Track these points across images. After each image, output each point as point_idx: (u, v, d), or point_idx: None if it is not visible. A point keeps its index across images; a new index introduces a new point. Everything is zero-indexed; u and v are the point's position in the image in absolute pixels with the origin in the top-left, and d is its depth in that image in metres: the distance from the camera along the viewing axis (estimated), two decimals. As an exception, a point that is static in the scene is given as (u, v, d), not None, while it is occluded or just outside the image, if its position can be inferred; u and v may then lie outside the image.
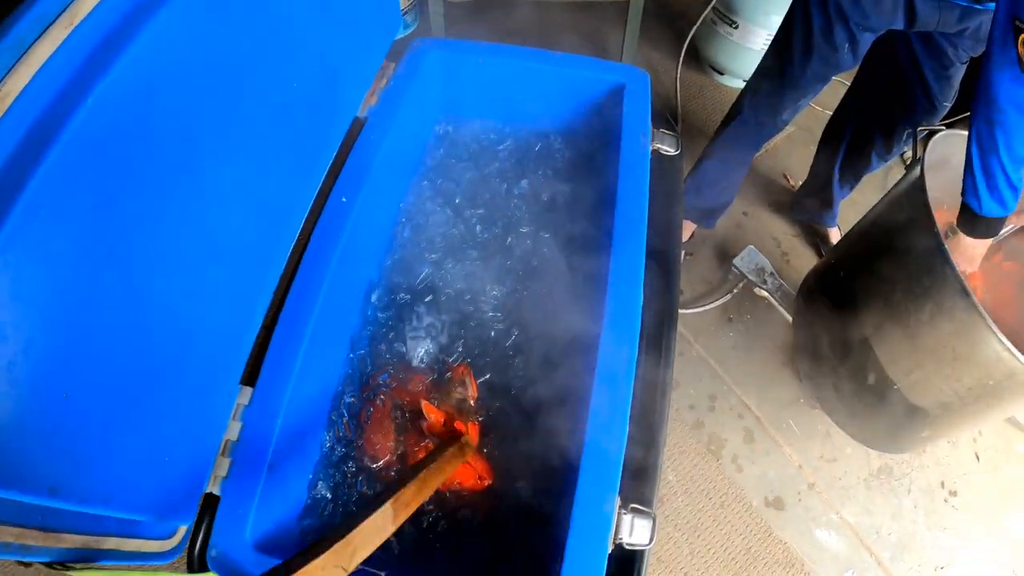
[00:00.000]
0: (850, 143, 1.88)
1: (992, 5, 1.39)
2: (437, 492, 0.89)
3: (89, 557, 0.62)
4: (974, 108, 1.08)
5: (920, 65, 1.59)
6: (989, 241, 1.21)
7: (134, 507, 0.63)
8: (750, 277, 1.84)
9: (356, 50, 1.05)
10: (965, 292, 1.15)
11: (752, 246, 1.91)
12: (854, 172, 1.93)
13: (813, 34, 1.50)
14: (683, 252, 1.91)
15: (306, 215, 0.91)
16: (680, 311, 1.80)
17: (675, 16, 2.66)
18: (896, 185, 1.46)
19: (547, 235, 1.15)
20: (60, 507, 0.54)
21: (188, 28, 0.63)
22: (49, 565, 0.59)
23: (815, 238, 2.14)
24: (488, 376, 1.02)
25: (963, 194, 1.16)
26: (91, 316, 0.56)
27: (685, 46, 2.47)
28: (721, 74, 2.51)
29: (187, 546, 0.73)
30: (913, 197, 1.28)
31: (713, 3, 2.30)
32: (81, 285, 0.54)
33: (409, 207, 1.17)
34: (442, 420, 0.93)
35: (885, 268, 1.40)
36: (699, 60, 2.55)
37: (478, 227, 1.16)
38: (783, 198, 2.25)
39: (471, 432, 0.93)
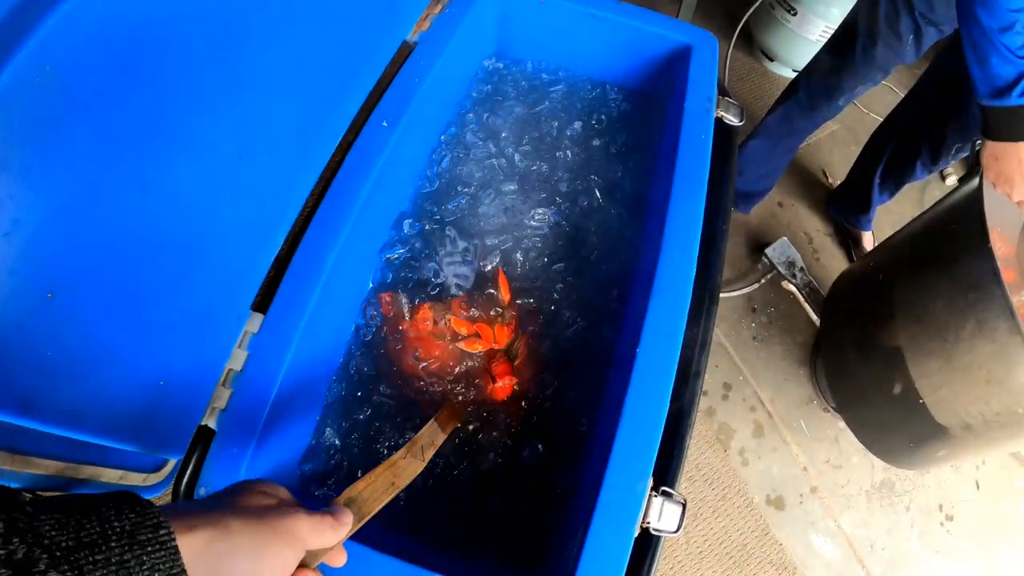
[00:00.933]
0: (896, 149, 1.82)
1: None
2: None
3: (62, 486, 0.53)
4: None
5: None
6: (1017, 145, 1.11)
7: (119, 434, 0.56)
8: (780, 269, 1.77)
9: None
10: (1011, 313, 1.09)
11: (785, 238, 1.84)
12: (896, 179, 1.87)
13: (879, 20, 1.47)
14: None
15: (343, 133, 0.84)
16: (708, 293, 1.73)
17: None
18: (950, 195, 1.39)
19: (598, 179, 1.08)
20: (33, 427, 0.46)
21: None
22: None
23: (847, 239, 2.07)
24: (529, 300, 0.96)
25: (978, 96, 1.09)
26: (93, 202, 0.49)
27: (740, 27, 2.37)
28: (772, 60, 2.42)
29: (173, 481, 0.65)
30: (968, 208, 1.22)
31: (773, -8, 2.19)
32: (87, 162, 0.47)
33: (451, 138, 1.10)
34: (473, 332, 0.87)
35: (929, 278, 1.33)
36: (751, 43, 2.46)
37: (523, 163, 1.10)
38: (820, 195, 2.18)
39: (499, 335, 0.90)
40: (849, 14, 1.56)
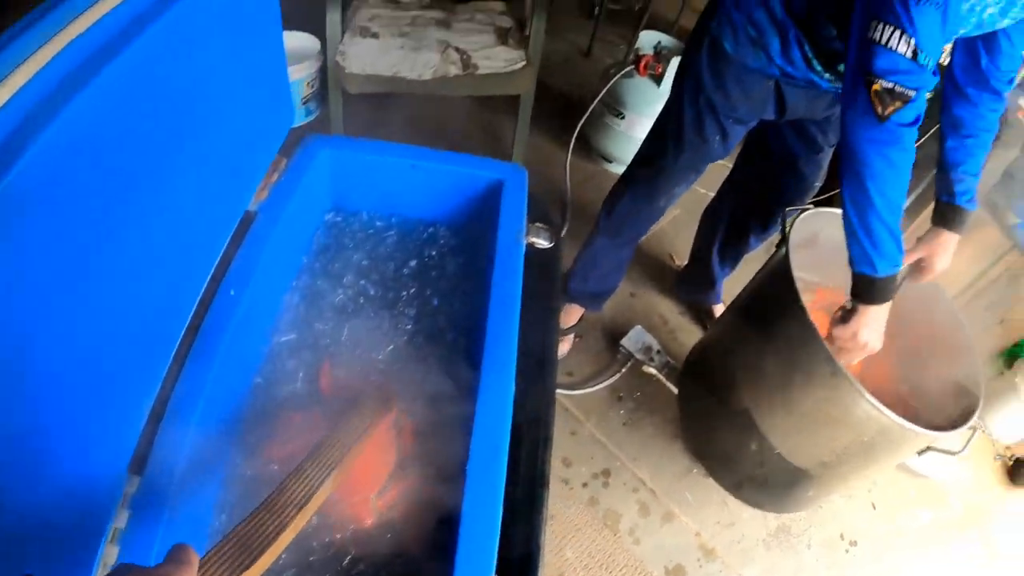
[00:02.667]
0: (728, 225, 1.98)
1: None
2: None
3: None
4: (842, 174, 1.15)
5: (791, 151, 1.68)
6: (889, 304, 1.25)
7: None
8: (637, 356, 1.93)
9: (248, 147, 1.08)
10: (831, 360, 1.25)
11: (639, 326, 2.01)
12: (734, 253, 2.03)
13: (684, 127, 1.56)
14: (572, 335, 1.99)
15: (194, 307, 0.93)
16: (570, 392, 1.89)
17: (566, 107, 2.83)
18: (765, 264, 1.57)
19: (437, 309, 1.21)
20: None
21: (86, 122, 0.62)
22: None
23: (701, 315, 2.24)
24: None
25: (853, 266, 1.21)
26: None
27: (575, 136, 2.61)
28: (610, 162, 2.65)
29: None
30: (780, 274, 1.38)
31: (601, 95, 2.44)
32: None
33: (301, 286, 1.21)
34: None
35: (758, 342, 1.50)
36: (590, 148, 2.70)
37: (367, 303, 1.21)
38: (670, 278, 2.38)
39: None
40: (655, 123, 1.66)
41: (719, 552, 1.81)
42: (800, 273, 1.46)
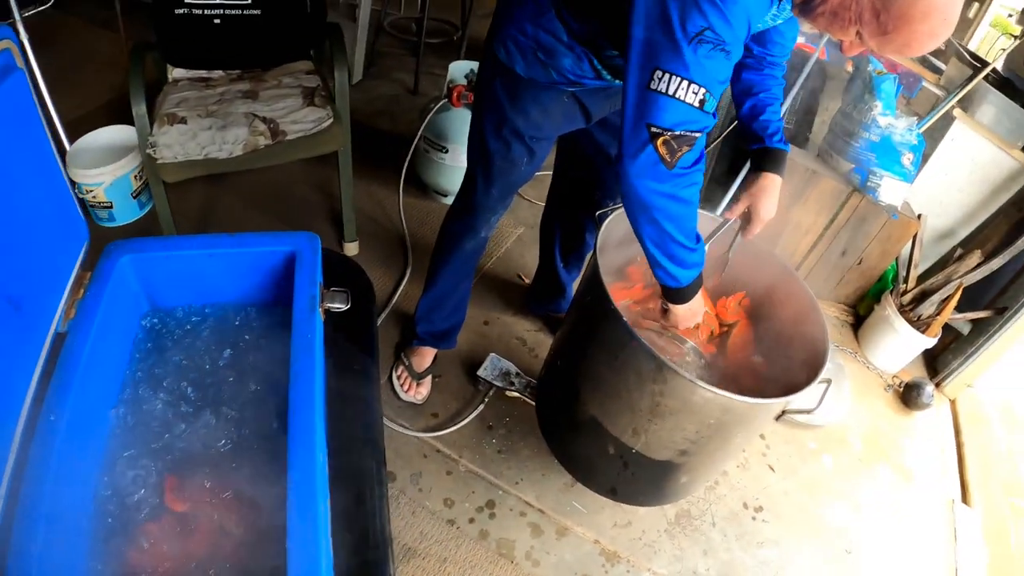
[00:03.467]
0: (564, 230, 2.01)
1: None
2: None
3: None
4: (631, 215, 1.15)
5: (602, 145, 1.70)
6: (700, 293, 1.32)
7: None
8: (496, 383, 1.93)
9: (41, 270, 1.07)
10: (654, 355, 1.26)
11: (493, 353, 2.01)
12: (576, 256, 2.05)
13: (491, 157, 1.56)
14: (430, 376, 1.98)
15: (15, 437, 0.92)
16: (438, 433, 1.87)
17: (397, 149, 2.82)
18: (583, 271, 1.58)
19: (252, 405, 1.20)
20: None
21: None
22: None
23: (557, 327, 2.25)
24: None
25: (660, 283, 1.25)
26: None
27: (403, 175, 2.62)
28: (444, 196, 2.67)
29: None
30: (594, 280, 1.39)
31: (421, 133, 2.46)
32: None
33: (126, 398, 1.19)
34: None
35: (589, 349, 1.52)
36: (424, 186, 2.71)
37: (194, 398, 1.20)
38: (522, 298, 2.39)
39: None
40: (467, 157, 1.66)
41: (622, 553, 1.80)
42: (615, 273, 1.50)
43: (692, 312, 1.34)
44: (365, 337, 1.40)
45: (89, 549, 0.98)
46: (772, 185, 1.44)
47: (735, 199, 1.49)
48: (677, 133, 1.01)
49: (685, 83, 0.98)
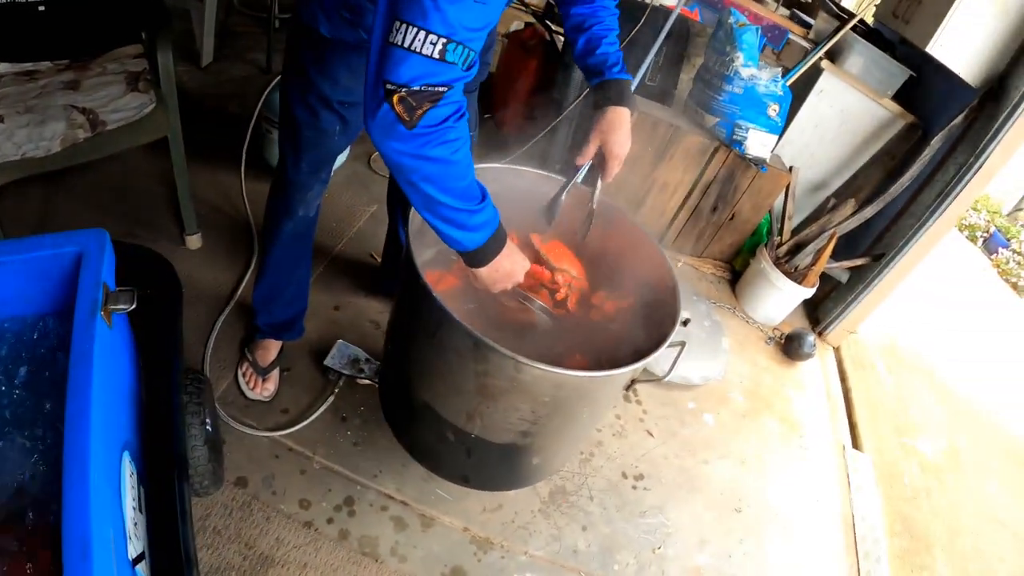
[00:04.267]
0: (405, 204, 1.90)
1: None
2: None
3: None
4: (393, 182, 1.06)
5: None
6: (504, 247, 1.19)
7: None
8: (345, 372, 1.83)
9: None
10: (469, 332, 1.16)
11: (340, 340, 1.89)
12: None
13: (300, 129, 1.47)
14: (276, 370, 1.84)
15: None
16: (289, 430, 1.76)
17: (233, 131, 2.66)
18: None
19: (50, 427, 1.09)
20: None
21: None
22: None
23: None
24: None
25: (453, 248, 1.15)
26: None
27: (244, 158, 2.47)
28: None
29: None
30: (407, 254, 1.29)
31: (258, 111, 2.31)
32: None
33: None
34: None
35: (414, 333, 1.44)
36: (269, 167, 2.53)
37: None
38: (374, 279, 2.26)
39: None
40: (279, 135, 1.57)
41: (495, 539, 1.73)
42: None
43: (501, 274, 1.21)
44: (169, 338, 1.28)
45: None
46: (619, 118, 1.38)
47: (585, 142, 1.41)
48: (415, 89, 0.91)
49: (423, 33, 0.88)
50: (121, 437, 1.05)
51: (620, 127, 1.38)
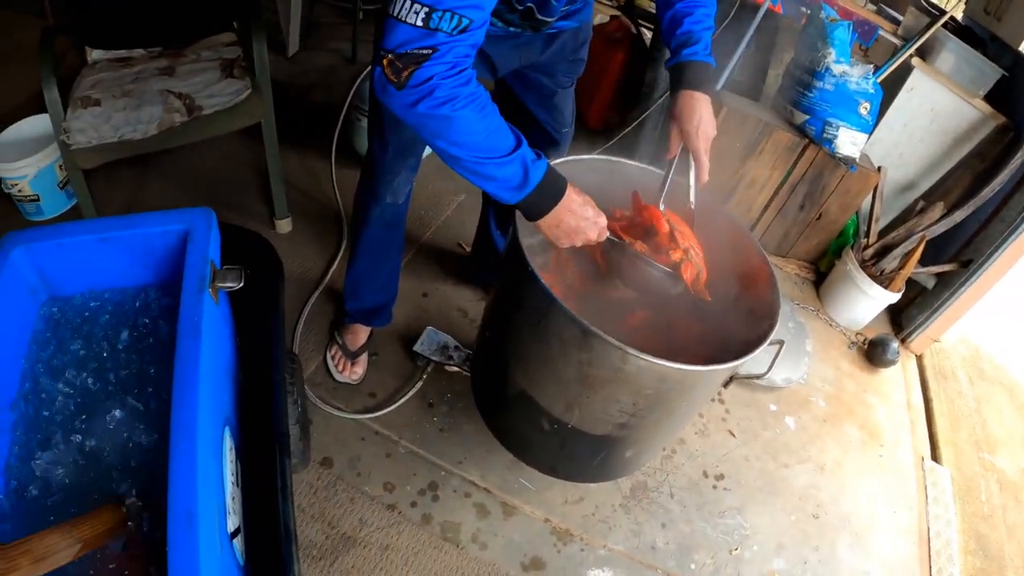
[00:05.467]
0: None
1: (567, 24, 1.43)
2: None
3: None
4: None
5: (525, 105, 1.63)
6: (566, 195, 1.16)
7: None
8: (434, 358, 1.85)
9: None
10: (575, 319, 1.16)
11: (430, 327, 1.91)
12: (510, 221, 1.94)
13: (383, 114, 1.49)
14: (365, 355, 1.87)
15: None
16: (376, 414, 1.78)
17: (325, 120, 2.72)
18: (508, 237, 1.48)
19: (153, 379, 1.15)
20: None
21: None
22: None
23: (492, 298, 2.17)
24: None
25: (509, 203, 1.16)
26: None
27: (335, 144, 2.51)
28: None
29: None
30: (514, 243, 1.30)
31: (350, 100, 2.35)
32: None
33: (25, 392, 1.12)
34: None
35: (516, 319, 1.43)
36: (358, 155, 2.58)
37: (96, 387, 1.14)
38: (462, 267, 2.30)
39: None
40: (368, 127, 1.58)
41: (575, 531, 1.73)
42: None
43: (564, 230, 1.19)
44: (269, 317, 1.32)
45: None
46: (691, 104, 1.31)
47: (668, 135, 1.37)
48: (400, 53, 0.98)
49: (408, 3, 0.96)
50: (223, 412, 1.08)
51: (692, 113, 1.31)
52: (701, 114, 1.31)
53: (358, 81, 2.28)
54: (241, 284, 1.13)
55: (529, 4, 1.27)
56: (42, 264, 1.19)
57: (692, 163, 1.36)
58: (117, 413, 1.10)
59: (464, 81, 1.01)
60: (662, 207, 1.39)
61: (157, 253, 1.22)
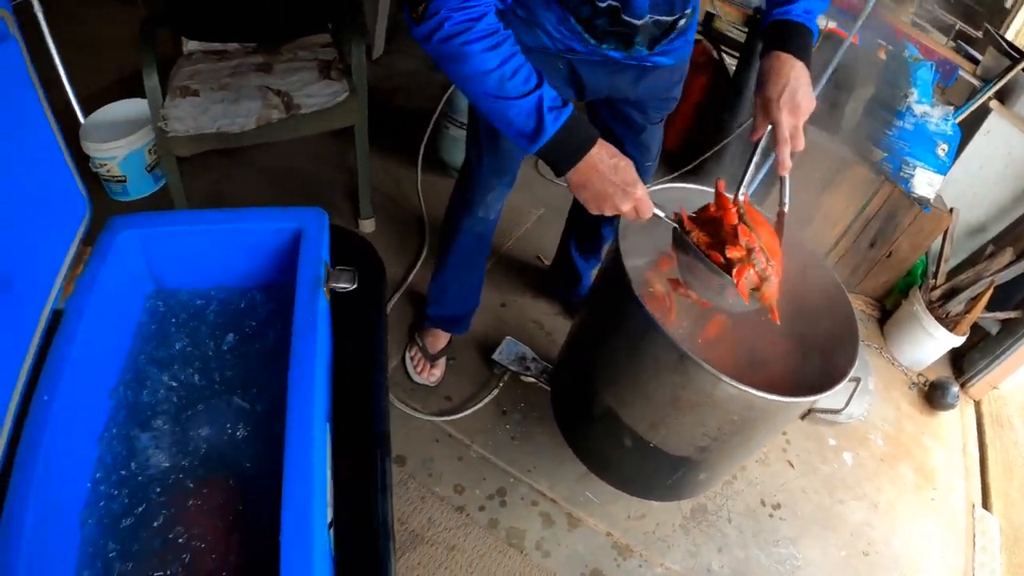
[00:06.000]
0: (579, 220, 1.96)
1: (663, 60, 1.41)
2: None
3: None
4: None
5: (613, 134, 1.63)
6: (594, 148, 1.08)
7: None
8: (512, 368, 1.90)
9: (34, 247, 1.04)
10: (674, 344, 1.19)
11: (509, 337, 1.97)
12: (591, 244, 2.01)
13: (480, 127, 1.52)
14: (444, 359, 1.94)
15: (10, 415, 0.91)
16: (451, 417, 1.84)
17: (416, 125, 2.79)
18: (605, 257, 1.52)
19: (261, 396, 1.17)
20: None
21: None
22: None
23: (575, 313, 2.21)
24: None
25: (528, 151, 1.12)
26: None
27: (422, 151, 2.57)
28: None
29: None
30: (614, 265, 1.32)
31: (440, 107, 2.41)
32: None
33: (127, 380, 1.16)
34: None
35: (609, 337, 1.47)
36: (443, 165, 2.66)
37: (200, 383, 1.17)
38: (540, 280, 2.36)
39: None
40: (466, 140, 1.62)
41: (635, 547, 1.77)
42: (646, 259, 1.44)
43: (591, 193, 1.10)
44: (374, 319, 1.36)
45: (81, 532, 0.98)
46: (780, 65, 1.15)
47: (754, 112, 1.21)
48: None
49: None
50: (325, 408, 1.14)
51: (778, 78, 1.14)
52: (788, 79, 1.14)
53: (450, 90, 2.34)
54: (354, 286, 1.17)
55: (612, 3, 1.21)
56: (150, 251, 1.22)
57: (776, 140, 1.17)
58: (220, 408, 1.14)
59: (476, 16, 1.02)
60: (741, 197, 1.25)
61: (266, 250, 1.26)
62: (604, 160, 1.09)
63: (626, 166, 1.10)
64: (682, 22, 1.32)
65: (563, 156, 1.09)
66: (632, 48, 1.34)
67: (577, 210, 1.96)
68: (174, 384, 1.17)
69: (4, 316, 0.95)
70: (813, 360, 1.45)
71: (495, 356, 1.92)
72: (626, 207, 1.10)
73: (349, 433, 1.15)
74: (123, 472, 1.05)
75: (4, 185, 0.97)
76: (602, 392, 1.49)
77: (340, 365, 1.21)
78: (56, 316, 1.04)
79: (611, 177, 1.08)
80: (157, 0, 2.81)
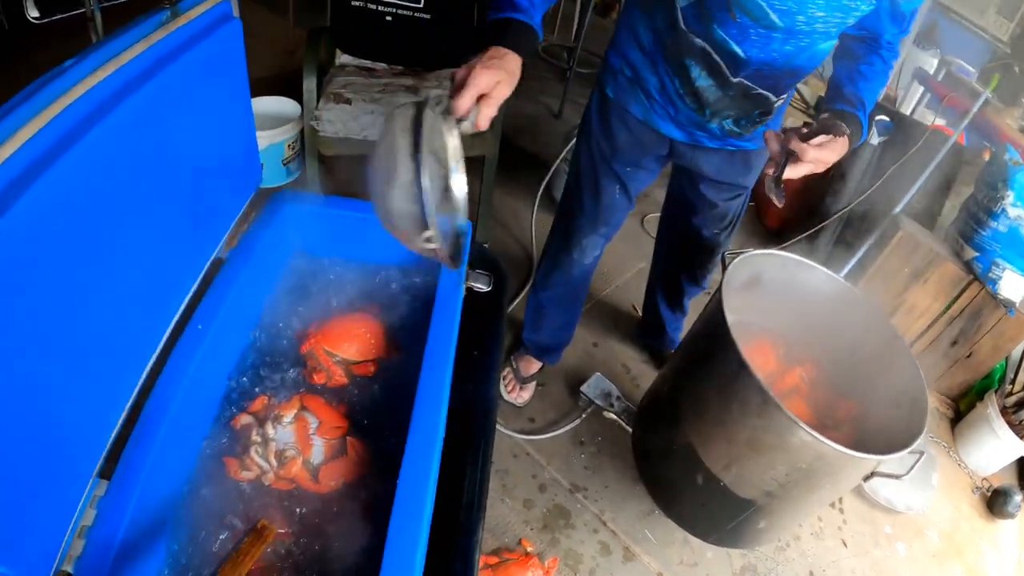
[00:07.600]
0: (663, 271, 2.09)
1: (748, 144, 1.51)
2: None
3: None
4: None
5: (691, 201, 1.73)
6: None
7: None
8: (597, 402, 2.04)
9: (217, 202, 1.24)
10: (763, 389, 1.35)
11: (599, 373, 2.11)
12: (676, 298, 2.13)
13: (582, 179, 1.66)
14: (534, 383, 2.09)
15: (165, 336, 1.07)
16: (532, 437, 1.98)
17: (534, 166, 3.05)
18: (706, 305, 1.68)
19: (396, 358, 1.34)
20: None
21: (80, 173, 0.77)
22: None
23: (660, 363, 2.34)
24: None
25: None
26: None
27: (540, 191, 2.75)
28: None
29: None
30: (715, 313, 1.49)
31: (564, 153, 2.59)
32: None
33: (266, 324, 1.35)
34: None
35: (700, 377, 1.63)
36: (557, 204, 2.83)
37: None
38: (632, 328, 2.53)
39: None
40: (566, 183, 1.75)
41: (684, 592, 1.85)
42: (742, 317, 1.57)
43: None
44: (495, 324, 1.50)
45: (201, 455, 1.14)
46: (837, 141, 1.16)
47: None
48: None
49: None
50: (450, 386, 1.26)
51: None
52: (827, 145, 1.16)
53: (572, 141, 2.54)
54: (489, 288, 1.34)
55: (717, 60, 1.25)
56: (304, 224, 1.43)
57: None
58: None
59: None
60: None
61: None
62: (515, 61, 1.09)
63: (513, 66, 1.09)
64: (779, 104, 1.40)
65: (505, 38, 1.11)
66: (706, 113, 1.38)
67: (660, 262, 2.10)
68: (301, 330, 1.35)
69: (181, 251, 1.12)
70: (877, 431, 1.57)
71: (583, 388, 2.07)
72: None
73: (464, 418, 1.22)
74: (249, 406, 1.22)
75: (215, 145, 1.18)
76: (685, 427, 1.64)
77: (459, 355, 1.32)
78: (215, 264, 1.24)
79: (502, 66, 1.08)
80: (306, 16, 3.09)
